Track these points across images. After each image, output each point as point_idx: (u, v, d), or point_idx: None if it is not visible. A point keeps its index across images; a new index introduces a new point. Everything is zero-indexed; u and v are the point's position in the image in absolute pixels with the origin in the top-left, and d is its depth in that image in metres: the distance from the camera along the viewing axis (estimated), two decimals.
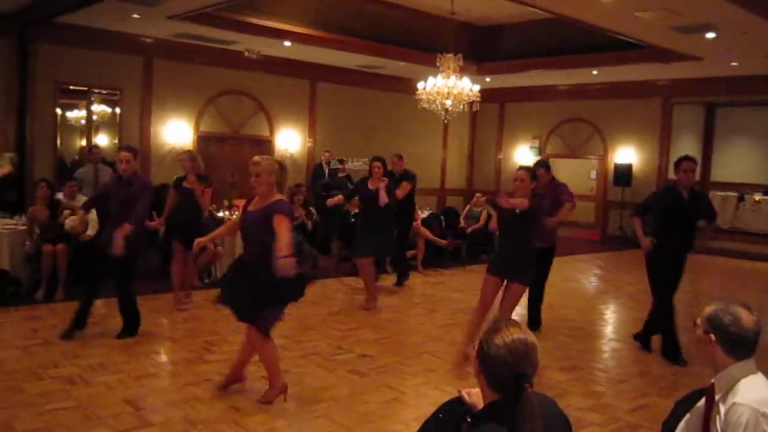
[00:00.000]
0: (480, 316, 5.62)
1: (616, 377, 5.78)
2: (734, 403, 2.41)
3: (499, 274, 5.60)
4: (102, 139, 12.97)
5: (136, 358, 5.63)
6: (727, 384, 2.50)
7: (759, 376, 2.52)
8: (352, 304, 8.13)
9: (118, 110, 12.63)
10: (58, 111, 12.00)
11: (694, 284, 11.37)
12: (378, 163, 7.86)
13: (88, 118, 12.48)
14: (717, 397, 2.53)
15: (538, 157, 18.15)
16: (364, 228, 7.91)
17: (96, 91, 12.47)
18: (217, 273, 8.90)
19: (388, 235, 8.01)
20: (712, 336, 2.54)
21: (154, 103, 12.83)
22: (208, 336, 6.39)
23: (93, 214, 8.48)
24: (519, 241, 5.50)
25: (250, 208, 4.71)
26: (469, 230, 11.77)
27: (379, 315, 7.56)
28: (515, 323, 2.10)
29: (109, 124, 12.99)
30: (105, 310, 7.37)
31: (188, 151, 8.12)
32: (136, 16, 10.42)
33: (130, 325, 6.33)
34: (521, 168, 5.68)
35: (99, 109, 12.76)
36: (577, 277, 11.25)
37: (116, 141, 12.72)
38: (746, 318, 2.52)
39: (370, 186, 7.86)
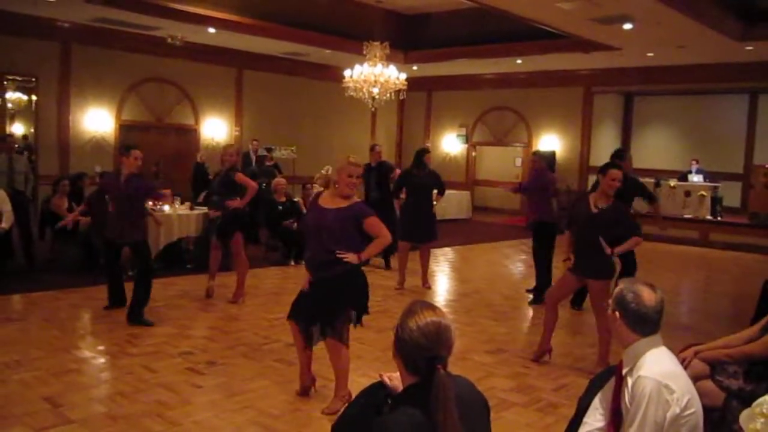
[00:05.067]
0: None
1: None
2: (639, 376, 2.54)
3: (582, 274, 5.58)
4: (18, 128, 12.48)
5: (55, 354, 5.46)
6: (634, 358, 2.63)
7: (663, 350, 2.65)
8: (279, 293, 8.09)
9: (34, 98, 12.16)
10: None
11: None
12: (428, 155, 8.94)
13: (2, 105, 11.97)
14: (624, 371, 2.65)
15: (465, 145, 18.46)
16: (411, 214, 8.61)
17: (10, 77, 12.00)
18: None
19: (433, 223, 8.73)
20: (617, 313, 2.66)
21: (73, 91, 12.42)
22: (131, 329, 6.24)
23: (8, 206, 8.14)
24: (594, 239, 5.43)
25: (324, 205, 4.50)
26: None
27: None
28: (430, 306, 2.15)
29: (24, 112, 12.51)
30: (22, 306, 7.13)
31: (232, 145, 8.21)
32: None
33: (142, 301, 6.50)
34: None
35: (14, 96, 12.29)
36: (503, 262, 11.49)
37: (33, 129, 12.27)
38: (648, 296, 2.64)
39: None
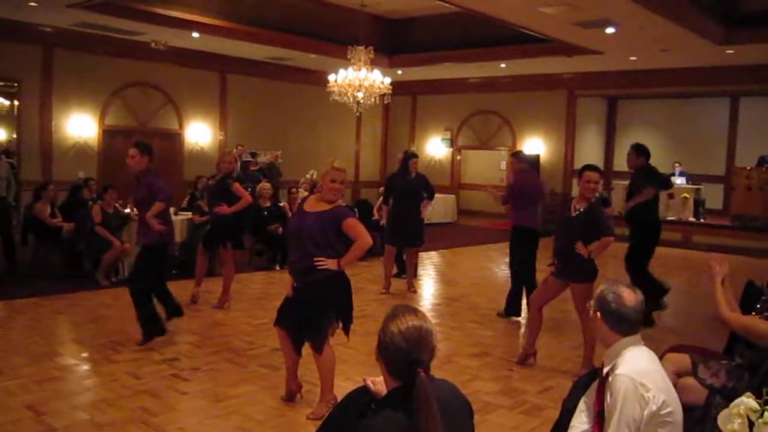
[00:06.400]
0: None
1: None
2: (616, 375, 2.59)
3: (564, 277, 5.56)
4: (0, 133, 12.39)
5: (38, 361, 5.41)
6: (614, 358, 2.67)
7: (642, 349, 2.69)
8: (264, 298, 8.07)
9: (16, 103, 12.06)
10: None
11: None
12: (415, 159, 8.72)
13: None
14: (605, 371, 2.68)
15: (450, 149, 18.49)
16: (397, 219, 8.57)
17: None
18: (124, 271, 8.61)
19: (420, 227, 8.73)
20: (598, 313, 2.70)
21: (55, 96, 12.32)
22: (115, 336, 6.19)
23: None
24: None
25: (307, 208, 4.44)
26: (382, 222, 11.82)
27: None
28: (412, 310, 2.16)
29: (6, 117, 12.41)
30: (4, 312, 7.06)
31: (231, 152, 8.37)
32: (33, 4, 9.98)
33: (150, 328, 5.94)
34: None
35: None
36: (488, 266, 11.53)
37: (15, 135, 12.16)
38: (628, 296, 2.69)
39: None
